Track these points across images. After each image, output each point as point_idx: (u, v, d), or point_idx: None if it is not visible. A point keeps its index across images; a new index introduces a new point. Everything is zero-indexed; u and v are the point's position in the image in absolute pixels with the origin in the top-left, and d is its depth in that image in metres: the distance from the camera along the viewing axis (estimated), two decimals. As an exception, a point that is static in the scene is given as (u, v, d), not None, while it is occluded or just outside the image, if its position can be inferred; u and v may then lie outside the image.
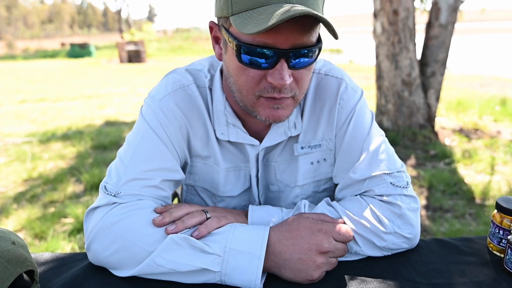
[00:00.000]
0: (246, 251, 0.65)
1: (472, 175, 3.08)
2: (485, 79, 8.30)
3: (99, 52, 16.00)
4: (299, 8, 0.57)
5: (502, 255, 0.74)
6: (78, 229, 2.29)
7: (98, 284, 0.68)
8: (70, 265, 0.75)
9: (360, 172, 0.78)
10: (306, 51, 0.63)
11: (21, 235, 2.26)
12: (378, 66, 4.04)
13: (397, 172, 0.78)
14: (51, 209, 2.58)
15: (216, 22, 0.71)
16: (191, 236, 0.67)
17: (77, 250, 2.07)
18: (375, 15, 3.90)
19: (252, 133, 0.81)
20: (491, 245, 0.77)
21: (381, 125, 4.14)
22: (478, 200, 2.64)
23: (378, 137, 0.81)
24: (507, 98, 5.67)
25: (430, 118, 4.01)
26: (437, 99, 4.00)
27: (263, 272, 0.67)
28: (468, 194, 2.73)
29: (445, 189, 2.80)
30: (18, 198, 2.76)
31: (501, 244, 0.74)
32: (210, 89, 0.80)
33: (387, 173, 0.77)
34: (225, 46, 0.69)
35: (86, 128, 4.83)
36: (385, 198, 0.76)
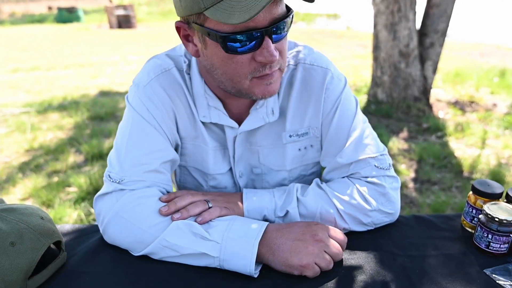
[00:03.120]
0: (243, 240, 0.71)
1: (462, 148, 3.17)
2: (486, 48, 8.20)
3: (88, 16, 15.47)
4: None
5: (473, 231, 0.83)
6: (82, 198, 2.39)
7: (115, 252, 0.77)
8: (89, 235, 0.84)
9: (346, 157, 0.84)
10: (284, 22, 0.67)
11: (29, 203, 2.36)
12: (376, 36, 4.01)
13: (380, 155, 0.85)
14: (55, 179, 2.67)
15: (184, 21, 0.72)
16: (196, 221, 0.74)
17: (83, 217, 2.18)
18: (375, -18, 3.82)
19: (234, 115, 0.85)
20: (465, 222, 0.85)
21: (375, 97, 4.17)
22: (466, 174, 2.74)
23: (362, 123, 0.87)
24: (507, 69, 5.63)
25: (426, 91, 4.03)
26: (434, 71, 4.00)
27: (259, 260, 0.72)
28: (456, 167, 2.82)
29: (434, 162, 2.89)
30: (23, 168, 2.84)
31: (473, 221, 0.83)
32: (189, 74, 0.83)
33: (372, 157, 0.84)
34: (203, 41, 0.70)
35: (81, 98, 4.83)
36: (370, 179, 0.83)
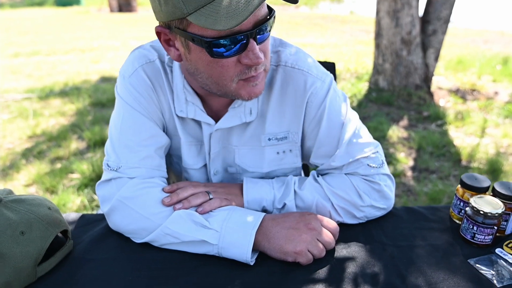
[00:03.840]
0: (240, 230, 0.74)
1: (461, 137, 3.19)
2: (490, 35, 8.09)
3: None
4: None
5: (461, 223, 0.86)
6: (85, 184, 2.44)
7: (118, 240, 0.81)
8: (94, 224, 0.88)
9: (339, 160, 0.85)
10: (266, 24, 0.67)
11: (33, 189, 2.41)
12: (378, 23, 3.98)
13: (373, 153, 0.86)
14: (58, 165, 2.71)
15: (164, 26, 0.71)
16: (196, 211, 0.78)
17: (87, 204, 2.23)
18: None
19: (213, 112, 0.86)
20: (453, 214, 0.89)
21: (376, 85, 4.17)
22: (464, 162, 2.77)
23: (353, 123, 0.86)
24: (510, 57, 5.57)
25: (427, 79, 4.03)
26: (436, 58, 3.98)
27: (255, 248, 0.76)
28: (455, 156, 2.85)
29: (433, 151, 2.92)
30: (26, 154, 2.88)
31: (460, 213, 0.87)
32: (170, 67, 0.84)
33: (364, 157, 0.85)
34: (186, 46, 0.69)
35: (82, 84, 4.84)
36: (364, 177, 0.86)
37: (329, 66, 1.13)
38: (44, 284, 0.70)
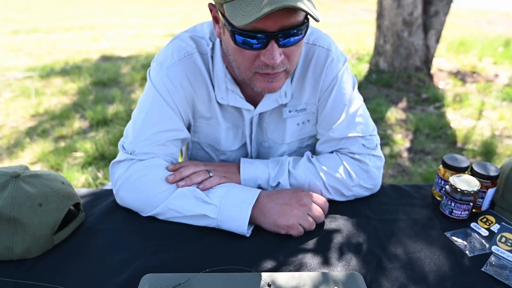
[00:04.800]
0: (238, 205, 0.81)
1: (458, 119, 3.24)
2: (494, 15, 7.99)
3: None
4: None
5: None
6: (89, 163, 2.51)
7: (126, 213, 0.89)
8: (103, 198, 0.95)
9: (338, 132, 0.92)
10: (294, 31, 0.70)
11: (38, 167, 2.49)
12: (380, 4, 3.95)
13: (369, 135, 0.93)
14: (62, 144, 2.78)
15: (214, 4, 0.77)
16: (198, 188, 0.85)
17: (91, 181, 2.31)
18: None
19: (249, 97, 0.92)
20: (435, 191, 0.96)
21: (377, 66, 4.18)
22: (459, 144, 2.83)
23: (357, 102, 0.93)
24: (512, 39, 5.56)
25: (428, 60, 4.03)
26: (437, 40, 3.98)
27: (251, 221, 0.83)
28: (451, 138, 2.91)
29: (430, 132, 2.98)
30: (30, 133, 2.95)
31: (441, 191, 0.93)
32: (212, 57, 0.89)
33: (361, 136, 0.92)
34: (223, 28, 0.76)
35: (83, 62, 4.85)
36: (356, 156, 0.92)
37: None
38: (59, 251, 0.77)
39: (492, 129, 3.06)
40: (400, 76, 3.97)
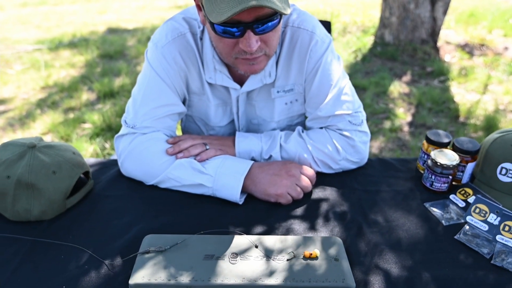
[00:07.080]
0: (232, 175, 0.88)
1: (462, 93, 3.21)
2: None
3: None
4: None
5: (425, 172, 0.99)
6: (97, 134, 2.61)
7: (131, 181, 0.97)
8: (110, 167, 1.03)
9: (325, 111, 0.98)
10: (269, 22, 0.76)
11: (48, 137, 2.59)
12: (389, -26, 3.84)
13: (355, 112, 0.98)
14: (71, 115, 2.87)
15: None
16: (195, 159, 0.92)
17: (99, 152, 2.41)
18: None
19: (237, 77, 0.98)
20: (419, 165, 1.02)
21: (382, 39, 4.12)
22: (461, 119, 2.82)
23: (343, 81, 0.98)
24: (526, 9, 5.37)
25: (434, 33, 3.95)
26: (445, 12, 3.88)
27: (244, 190, 0.90)
28: (453, 112, 2.90)
29: (432, 107, 2.98)
30: (40, 105, 3.03)
31: (424, 165, 0.99)
32: (201, 39, 0.95)
33: (347, 113, 0.97)
34: (204, 17, 0.81)
35: (90, 35, 4.85)
36: (344, 132, 0.98)
37: (325, 25, 1.21)
38: (72, 214, 0.86)
39: (497, 103, 3.04)
40: (405, 49, 3.92)
